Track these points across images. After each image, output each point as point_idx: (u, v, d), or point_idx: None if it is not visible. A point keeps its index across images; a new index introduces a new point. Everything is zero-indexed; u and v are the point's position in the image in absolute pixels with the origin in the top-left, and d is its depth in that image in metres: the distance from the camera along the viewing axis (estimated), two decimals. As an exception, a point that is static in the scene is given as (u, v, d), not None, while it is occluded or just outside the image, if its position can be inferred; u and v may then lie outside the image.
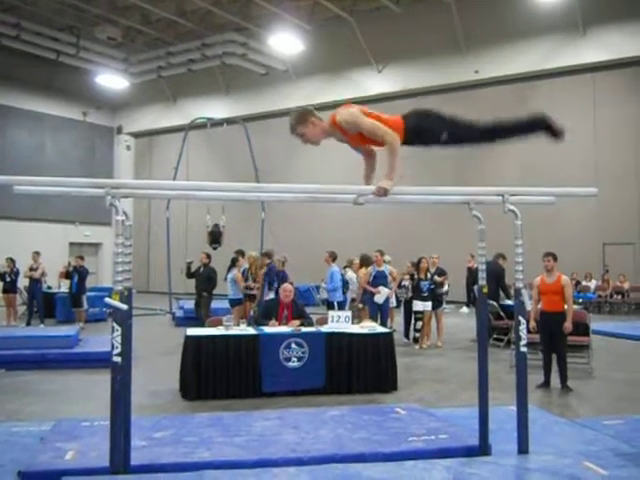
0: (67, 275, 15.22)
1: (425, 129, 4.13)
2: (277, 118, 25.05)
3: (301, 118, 4.10)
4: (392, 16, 21.41)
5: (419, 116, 4.17)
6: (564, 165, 18.95)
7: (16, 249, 17.25)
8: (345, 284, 12.61)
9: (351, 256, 15.20)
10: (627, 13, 18.16)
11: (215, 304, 13.88)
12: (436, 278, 11.76)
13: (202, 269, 13.29)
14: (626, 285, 18.25)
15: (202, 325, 12.29)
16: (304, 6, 21.73)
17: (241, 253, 12.56)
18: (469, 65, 20.62)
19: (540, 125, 4.25)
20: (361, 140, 4.07)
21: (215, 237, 17.26)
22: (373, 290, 11.34)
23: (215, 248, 17.22)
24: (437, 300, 11.83)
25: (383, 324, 10.49)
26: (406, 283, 12.24)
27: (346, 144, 4.26)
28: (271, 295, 11.27)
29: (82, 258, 15.21)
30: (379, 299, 11.31)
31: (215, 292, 13.62)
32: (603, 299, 18.58)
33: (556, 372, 7.84)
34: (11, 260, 14.89)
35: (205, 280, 13.12)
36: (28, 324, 14.43)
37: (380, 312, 11.34)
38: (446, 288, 12.59)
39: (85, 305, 14.83)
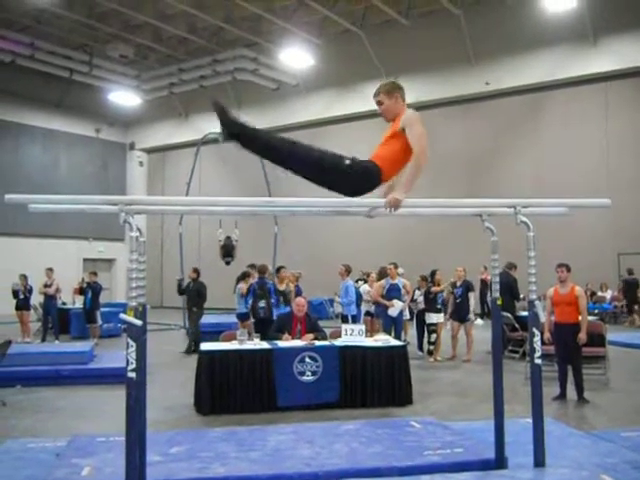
0: (81, 291, 15.28)
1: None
2: (288, 132, 25.15)
3: (391, 88, 4.17)
4: (402, 29, 21.49)
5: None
6: (578, 174, 18.91)
7: (30, 266, 17.40)
8: (359, 297, 12.54)
9: (364, 269, 15.19)
10: (637, 22, 18.13)
11: (222, 318, 13.87)
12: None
13: (192, 284, 13.14)
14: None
15: (193, 341, 12.28)
16: (314, 21, 21.88)
17: (254, 267, 12.53)
18: (480, 77, 20.64)
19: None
20: (394, 153, 4.03)
21: (228, 250, 17.27)
22: (387, 303, 11.24)
23: (228, 263, 17.22)
24: (462, 312, 11.70)
25: (397, 337, 10.44)
26: (419, 296, 12.15)
27: None
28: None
29: (95, 274, 15.25)
30: (393, 312, 11.20)
31: (213, 306, 13.58)
32: (619, 310, 18.44)
33: (572, 384, 7.78)
34: (24, 277, 14.98)
35: (195, 295, 12.97)
36: (43, 340, 14.49)
37: (394, 325, 11.24)
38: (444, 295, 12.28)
39: (99, 321, 14.87)
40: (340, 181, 3.92)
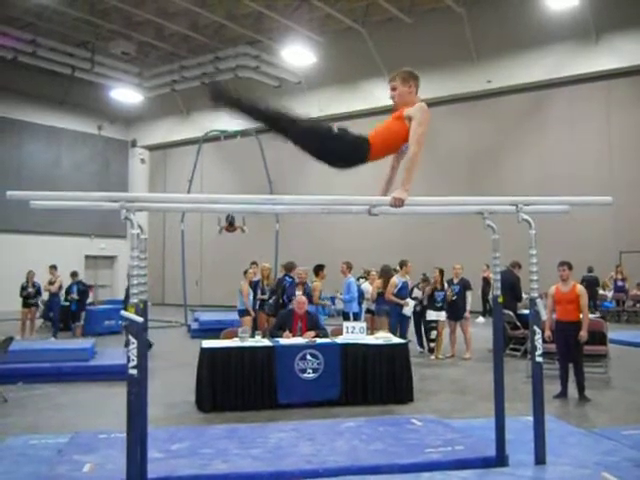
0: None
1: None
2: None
3: (408, 76, 4.19)
4: (404, 27, 21.47)
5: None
6: (580, 172, 18.88)
7: (33, 263, 17.36)
8: (361, 295, 12.47)
9: (366, 266, 15.18)
10: (639, 20, 18.09)
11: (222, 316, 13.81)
12: (447, 291, 11.52)
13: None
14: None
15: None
16: (316, 18, 21.85)
17: (256, 264, 12.51)
18: (481, 74, 20.62)
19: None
20: (389, 132, 4.04)
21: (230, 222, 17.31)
22: (401, 302, 11.07)
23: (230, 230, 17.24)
24: (457, 310, 11.62)
25: (402, 336, 10.40)
26: (418, 294, 12.04)
27: None
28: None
29: (76, 274, 15.16)
30: (408, 311, 11.14)
31: (214, 303, 13.53)
32: (621, 308, 18.44)
33: (573, 382, 7.78)
34: (33, 273, 15.03)
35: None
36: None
37: (400, 323, 11.13)
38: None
39: (81, 320, 15.05)
40: (328, 148, 3.93)
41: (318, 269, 11.66)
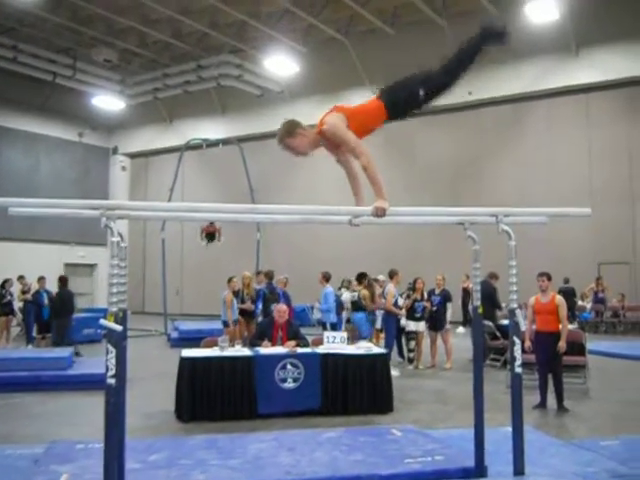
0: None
1: (402, 97, 4.24)
2: (272, 139, 24.91)
3: (289, 130, 4.08)
4: (386, 37, 21.60)
5: (391, 89, 4.29)
6: (559, 185, 19.06)
7: (11, 270, 17.18)
8: (339, 305, 12.41)
9: (347, 276, 15.18)
10: (619, 34, 18.35)
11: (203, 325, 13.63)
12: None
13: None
14: (625, 302, 18.16)
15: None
16: (299, 28, 21.93)
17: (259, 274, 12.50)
18: (462, 86, 20.52)
19: (487, 33, 4.29)
20: (338, 148, 4.07)
21: (210, 233, 17.36)
22: (401, 313, 11.05)
23: (209, 241, 17.29)
24: (439, 321, 11.60)
25: (390, 346, 10.46)
26: (400, 303, 12.01)
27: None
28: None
29: (44, 278, 14.95)
30: (404, 321, 11.18)
31: (194, 312, 13.38)
32: (599, 319, 18.58)
33: (552, 392, 7.82)
34: (11, 281, 14.87)
35: (55, 305, 12.73)
36: (31, 344, 14.27)
37: (387, 333, 11.07)
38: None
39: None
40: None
41: (361, 277, 11.47)
